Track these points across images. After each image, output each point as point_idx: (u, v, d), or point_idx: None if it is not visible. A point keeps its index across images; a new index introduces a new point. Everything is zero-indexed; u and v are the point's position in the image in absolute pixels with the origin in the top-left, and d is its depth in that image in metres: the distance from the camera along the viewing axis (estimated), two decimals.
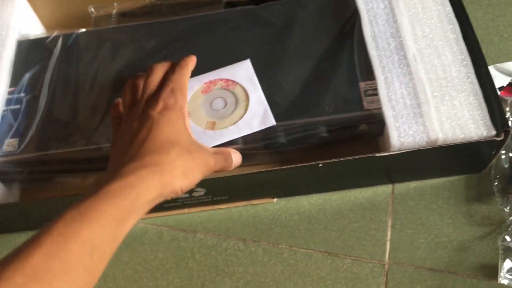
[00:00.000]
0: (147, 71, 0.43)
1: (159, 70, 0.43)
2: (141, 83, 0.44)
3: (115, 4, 0.66)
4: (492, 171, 0.53)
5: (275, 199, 0.54)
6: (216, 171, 0.41)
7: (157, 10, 0.65)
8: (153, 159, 0.36)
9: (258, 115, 0.47)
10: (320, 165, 0.48)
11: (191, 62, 0.44)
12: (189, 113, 0.48)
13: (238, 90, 0.48)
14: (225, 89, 0.48)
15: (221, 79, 0.49)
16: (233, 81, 0.49)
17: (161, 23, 0.61)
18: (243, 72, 0.49)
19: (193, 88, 0.50)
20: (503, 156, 0.53)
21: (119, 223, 0.32)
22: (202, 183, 0.49)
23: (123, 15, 0.66)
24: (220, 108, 0.47)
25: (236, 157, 0.43)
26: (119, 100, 0.45)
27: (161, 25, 0.61)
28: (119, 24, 0.65)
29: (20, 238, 0.55)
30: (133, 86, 0.44)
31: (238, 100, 0.48)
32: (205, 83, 0.48)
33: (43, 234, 0.30)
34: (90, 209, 0.32)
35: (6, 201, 0.54)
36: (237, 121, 0.47)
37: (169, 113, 0.39)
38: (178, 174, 0.36)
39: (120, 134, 0.41)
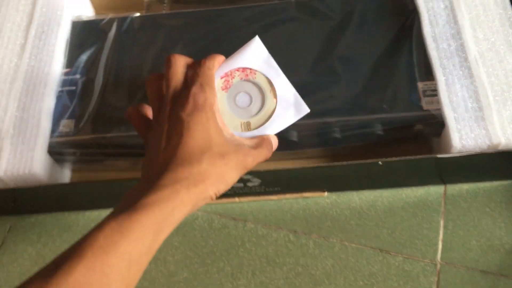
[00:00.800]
0: (165, 64, 0.41)
1: (179, 61, 0.40)
2: (161, 78, 0.41)
3: None
4: None
5: (326, 193, 0.54)
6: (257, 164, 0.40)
7: None
8: (186, 171, 0.35)
9: (289, 104, 0.42)
10: (380, 163, 0.48)
11: (218, 58, 0.41)
12: None
13: (259, 79, 0.42)
14: (245, 80, 0.42)
15: (237, 69, 0.42)
16: (251, 69, 0.42)
17: (215, 11, 0.61)
18: (258, 55, 0.42)
19: None
20: None
21: (155, 235, 0.33)
22: (257, 174, 0.50)
23: (176, 1, 0.66)
24: (246, 105, 0.42)
25: (275, 142, 0.42)
26: (137, 107, 0.43)
27: (216, 13, 0.61)
28: (172, 10, 0.65)
29: (70, 217, 0.56)
30: (154, 83, 0.42)
31: (263, 91, 0.42)
32: (222, 77, 0.42)
33: (84, 246, 0.31)
34: (129, 221, 0.32)
35: (58, 180, 0.55)
36: (271, 115, 0.42)
37: (200, 114, 0.37)
38: (211, 183, 0.36)
39: (152, 137, 0.39)
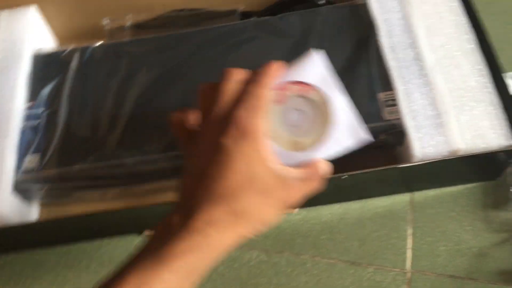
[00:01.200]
0: (221, 77, 0.36)
1: (236, 76, 0.36)
2: (215, 89, 0.36)
3: (129, 16, 0.66)
4: (508, 178, 0.54)
5: (296, 209, 0.55)
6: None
7: (172, 21, 0.66)
8: (221, 210, 0.32)
9: (347, 128, 0.38)
10: (344, 176, 0.49)
11: (275, 70, 0.36)
12: None
13: (316, 96, 0.38)
14: (300, 96, 0.38)
15: (293, 83, 0.38)
16: (308, 85, 0.38)
17: (177, 35, 0.62)
18: (318, 70, 0.39)
19: None
20: None
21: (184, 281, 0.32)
22: None
23: (138, 27, 0.66)
24: (297, 122, 0.38)
25: (326, 169, 0.37)
26: (183, 114, 0.39)
27: (177, 37, 0.61)
28: (134, 36, 0.65)
29: (40, 254, 0.55)
30: (207, 92, 0.37)
31: (318, 110, 0.38)
32: (275, 89, 0.37)
33: None
34: (152, 277, 0.30)
35: (26, 218, 0.55)
36: (324, 138, 0.38)
37: (244, 142, 0.33)
38: (248, 224, 0.33)
39: (191, 155, 0.36)
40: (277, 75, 0.37)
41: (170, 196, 0.52)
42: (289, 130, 0.38)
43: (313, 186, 0.36)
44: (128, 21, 0.66)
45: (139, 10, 0.66)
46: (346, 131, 0.38)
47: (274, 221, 0.34)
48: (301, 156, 0.37)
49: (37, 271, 0.54)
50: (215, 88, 0.36)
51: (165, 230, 0.33)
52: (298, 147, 0.37)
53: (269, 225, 0.34)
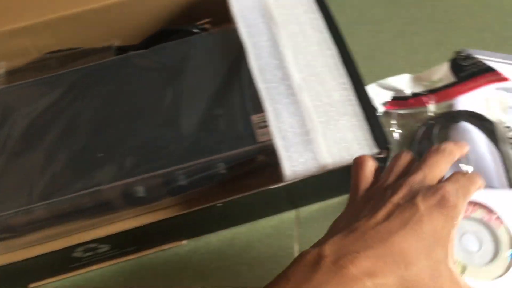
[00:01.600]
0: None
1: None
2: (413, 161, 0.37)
3: (3, 63, 0.64)
4: None
5: (184, 241, 0.54)
6: None
7: (47, 64, 0.64)
8: (391, 270, 0.28)
9: None
10: (219, 204, 0.49)
11: (480, 182, 0.34)
12: None
13: (501, 232, 0.36)
14: (485, 223, 0.37)
15: (482, 205, 0.37)
16: (498, 217, 0.37)
17: (52, 77, 0.60)
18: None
19: None
20: None
21: None
22: (103, 240, 0.49)
23: (14, 73, 0.64)
24: (473, 249, 0.36)
25: None
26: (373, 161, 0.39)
27: (53, 79, 0.60)
28: (9, 83, 0.63)
29: None
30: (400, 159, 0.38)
31: (499, 248, 0.36)
32: None
33: None
34: None
35: None
36: (495, 279, 0.35)
37: (440, 212, 0.30)
38: None
39: (366, 206, 0.34)
40: (480, 187, 0.34)
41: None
42: (459, 250, 0.36)
43: None
44: (2, 68, 0.64)
45: (13, 57, 0.65)
46: None
47: None
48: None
49: None
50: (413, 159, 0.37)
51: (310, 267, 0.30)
52: (463, 271, 0.36)
53: None
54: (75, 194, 0.50)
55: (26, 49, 0.65)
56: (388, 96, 0.60)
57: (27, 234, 0.54)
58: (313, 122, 0.51)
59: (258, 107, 0.54)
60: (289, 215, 0.55)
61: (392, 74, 0.62)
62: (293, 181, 0.49)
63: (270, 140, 0.51)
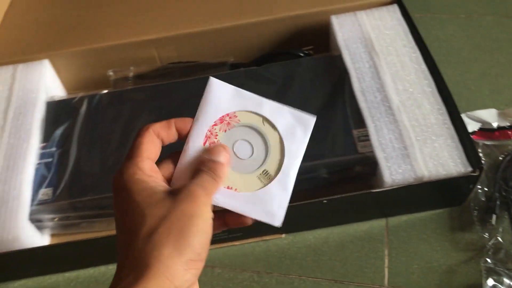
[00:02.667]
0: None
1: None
2: None
3: (132, 67, 0.74)
4: (471, 203, 0.61)
5: (283, 235, 0.61)
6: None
7: (169, 72, 0.74)
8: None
9: (293, 125, 0.37)
10: (325, 201, 0.55)
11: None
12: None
13: (245, 119, 0.37)
14: (232, 129, 0.37)
15: (214, 124, 0.37)
16: (229, 115, 0.37)
17: (174, 83, 0.70)
18: (224, 95, 0.38)
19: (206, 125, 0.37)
20: (479, 190, 0.61)
21: None
22: None
23: (139, 77, 0.74)
24: (250, 153, 0.37)
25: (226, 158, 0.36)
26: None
27: (174, 86, 0.69)
28: (135, 85, 0.73)
29: (51, 279, 0.60)
30: None
31: (257, 129, 0.37)
32: (204, 143, 0.37)
33: None
34: None
35: (38, 245, 0.60)
36: (282, 149, 0.37)
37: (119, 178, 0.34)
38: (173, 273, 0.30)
39: None
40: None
41: None
42: (247, 167, 0.37)
43: (214, 187, 0.35)
44: (131, 72, 0.74)
45: (140, 63, 0.75)
46: (295, 128, 0.37)
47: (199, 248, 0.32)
48: (277, 184, 0.37)
49: None
50: None
51: None
52: (268, 177, 0.37)
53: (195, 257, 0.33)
54: None
55: (152, 58, 0.75)
56: (475, 127, 0.66)
57: None
58: (411, 139, 0.58)
59: (359, 123, 0.61)
60: (379, 223, 0.61)
61: (478, 109, 0.68)
62: (392, 187, 0.55)
63: (371, 151, 0.58)
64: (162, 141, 0.36)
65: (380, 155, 0.57)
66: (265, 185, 0.37)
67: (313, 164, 0.59)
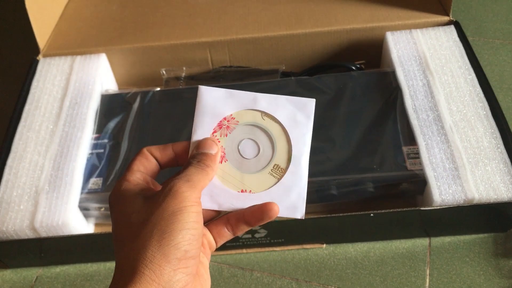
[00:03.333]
0: None
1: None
2: None
3: (184, 68, 0.76)
4: None
5: (324, 245, 0.61)
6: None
7: (221, 75, 0.75)
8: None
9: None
10: (371, 214, 0.55)
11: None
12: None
13: (245, 118, 0.36)
14: (230, 133, 0.36)
15: (214, 131, 0.36)
16: (226, 118, 0.36)
17: (226, 86, 0.70)
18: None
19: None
20: None
21: None
22: (264, 225, 0.57)
23: (191, 78, 0.75)
24: (251, 156, 0.36)
25: (215, 149, 0.35)
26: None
27: (226, 88, 0.70)
28: (187, 85, 0.74)
29: (92, 267, 0.61)
30: None
31: (258, 125, 0.36)
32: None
33: None
34: None
35: (84, 232, 0.61)
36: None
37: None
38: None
39: None
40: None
41: None
42: (238, 162, 0.36)
43: (205, 178, 0.34)
44: (183, 72, 0.75)
45: (192, 64, 0.76)
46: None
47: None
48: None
49: (88, 282, 0.60)
50: None
51: None
52: (281, 171, 0.36)
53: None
54: None
55: (205, 60, 0.76)
56: None
57: None
58: (463, 160, 0.57)
59: (409, 140, 0.61)
60: (422, 242, 0.60)
61: None
62: (441, 207, 0.55)
63: (420, 169, 0.58)
64: (158, 161, 0.36)
65: (430, 174, 0.57)
66: (278, 180, 0.35)
67: (360, 177, 0.59)
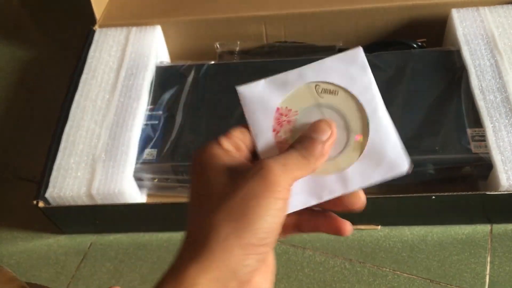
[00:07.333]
0: None
1: None
2: None
3: (238, 42, 0.74)
4: None
5: (379, 227, 0.59)
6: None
7: (275, 51, 0.74)
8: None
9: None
10: (433, 197, 0.53)
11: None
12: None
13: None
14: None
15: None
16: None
17: (280, 62, 0.69)
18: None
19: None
20: None
21: None
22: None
23: (245, 52, 0.74)
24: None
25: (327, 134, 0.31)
26: None
27: (281, 64, 0.69)
28: (241, 59, 0.73)
29: (144, 237, 0.62)
30: None
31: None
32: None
33: None
34: None
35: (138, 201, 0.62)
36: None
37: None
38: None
39: None
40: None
41: None
42: None
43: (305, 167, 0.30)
44: (237, 46, 0.74)
45: (247, 39, 0.75)
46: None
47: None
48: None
49: (140, 251, 0.61)
50: None
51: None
52: (358, 148, 0.32)
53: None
54: None
55: (259, 35, 0.75)
56: None
57: None
58: None
59: (474, 122, 0.58)
60: (483, 228, 0.58)
61: None
62: (507, 192, 0.52)
63: (486, 153, 0.55)
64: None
65: (497, 157, 0.54)
66: (366, 144, 0.31)
67: (422, 158, 0.57)
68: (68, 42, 0.86)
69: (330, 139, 0.31)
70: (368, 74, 0.32)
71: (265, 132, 0.32)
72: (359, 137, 0.31)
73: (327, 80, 0.32)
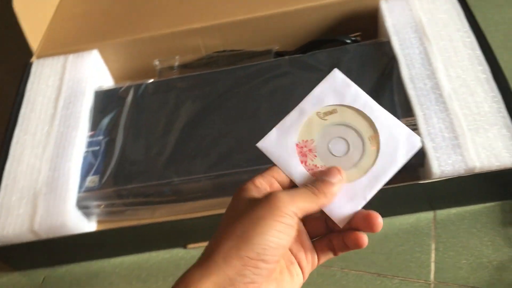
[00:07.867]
0: None
1: None
2: None
3: (177, 57, 0.75)
4: None
5: None
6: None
7: (214, 61, 0.74)
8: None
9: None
10: None
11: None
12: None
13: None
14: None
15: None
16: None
17: (218, 72, 0.69)
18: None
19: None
20: None
21: None
22: None
23: (184, 66, 0.74)
24: (342, 153, 0.36)
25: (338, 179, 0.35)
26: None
27: (219, 74, 0.69)
28: (181, 74, 0.73)
29: (96, 264, 0.62)
30: None
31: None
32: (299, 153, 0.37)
33: None
34: None
35: (85, 231, 0.62)
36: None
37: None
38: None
39: None
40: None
41: (212, 213, 0.58)
42: (331, 161, 0.36)
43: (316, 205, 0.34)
44: (176, 61, 0.74)
45: (185, 52, 0.75)
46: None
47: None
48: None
49: (94, 279, 0.61)
50: None
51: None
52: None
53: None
54: (237, 170, 0.58)
55: (197, 47, 0.75)
56: None
57: (193, 200, 0.62)
58: (463, 128, 0.55)
59: (406, 111, 0.58)
60: (426, 216, 0.58)
61: None
62: (440, 179, 0.53)
63: None
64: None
65: (428, 145, 0.54)
66: (379, 135, 0.36)
67: None
68: (9, 75, 0.85)
69: (338, 184, 0.35)
70: (352, 86, 0.38)
71: (296, 167, 0.36)
72: (372, 137, 0.36)
73: (323, 105, 0.37)
